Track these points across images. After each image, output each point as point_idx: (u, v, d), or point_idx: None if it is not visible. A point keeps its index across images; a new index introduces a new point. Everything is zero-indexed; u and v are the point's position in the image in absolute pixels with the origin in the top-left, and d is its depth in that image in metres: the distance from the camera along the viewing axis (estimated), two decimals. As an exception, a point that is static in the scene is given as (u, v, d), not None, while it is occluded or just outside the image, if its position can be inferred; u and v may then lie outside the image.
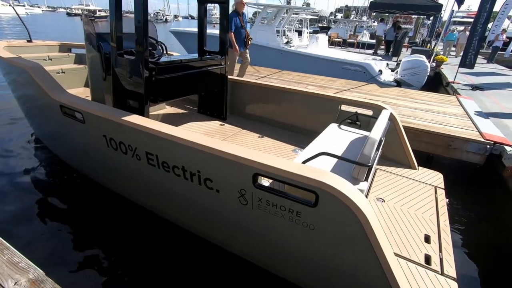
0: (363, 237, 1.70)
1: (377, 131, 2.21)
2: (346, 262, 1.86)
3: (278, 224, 1.99)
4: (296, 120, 3.95)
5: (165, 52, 4.13)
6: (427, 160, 4.11)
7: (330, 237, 1.84)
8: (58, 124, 3.27)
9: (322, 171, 1.80)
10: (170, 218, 2.91)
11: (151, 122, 2.47)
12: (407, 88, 7.66)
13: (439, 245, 2.29)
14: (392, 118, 3.16)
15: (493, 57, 13.98)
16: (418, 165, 3.38)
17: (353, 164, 2.14)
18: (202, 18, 3.99)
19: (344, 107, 3.59)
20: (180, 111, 4.57)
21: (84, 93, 4.52)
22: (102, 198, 3.35)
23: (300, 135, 3.89)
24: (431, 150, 4.12)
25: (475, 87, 7.55)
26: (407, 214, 2.61)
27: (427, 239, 2.36)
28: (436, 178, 3.24)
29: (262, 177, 1.96)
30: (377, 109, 3.23)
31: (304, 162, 2.11)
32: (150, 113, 3.08)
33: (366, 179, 2.15)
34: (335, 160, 2.37)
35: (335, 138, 2.87)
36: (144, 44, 2.72)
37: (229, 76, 4.20)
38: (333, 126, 3.16)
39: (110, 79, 3.12)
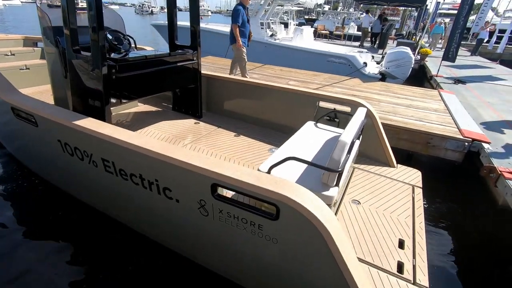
0: (326, 251, 1.59)
1: (349, 132, 2.09)
2: (310, 276, 1.76)
3: (241, 237, 1.86)
4: (274, 117, 3.82)
5: (133, 46, 3.89)
6: (406, 158, 4.05)
7: (293, 251, 1.72)
8: (12, 127, 3.03)
9: (283, 181, 1.67)
10: (137, 229, 2.75)
11: (104, 126, 2.28)
12: (391, 82, 7.62)
13: (413, 251, 2.21)
14: (370, 115, 3.06)
15: (477, 50, 14.10)
16: (396, 163, 3.31)
17: None
18: (172, 9, 3.76)
19: (323, 104, 3.47)
20: (153, 109, 4.36)
21: (49, 91, 4.25)
22: (65, 205, 3.14)
23: (277, 132, 3.77)
24: (410, 148, 4.05)
25: (457, 81, 7.55)
26: (382, 217, 2.53)
27: (401, 244, 2.27)
28: (414, 176, 3.17)
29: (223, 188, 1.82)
30: (355, 106, 3.13)
31: (271, 168, 1.99)
32: (120, 112, 2.89)
33: (337, 184, 2.04)
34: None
35: (311, 137, 2.75)
36: (98, 37, 2.50)
37: (203, 71, 4.01)
38: (309, 124, 3.04)
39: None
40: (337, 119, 3.44)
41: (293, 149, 2.48)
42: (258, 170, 2.06)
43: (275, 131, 3.80)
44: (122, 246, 2.71)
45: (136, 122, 3.77)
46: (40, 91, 4.49)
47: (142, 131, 3.55)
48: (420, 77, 9.59)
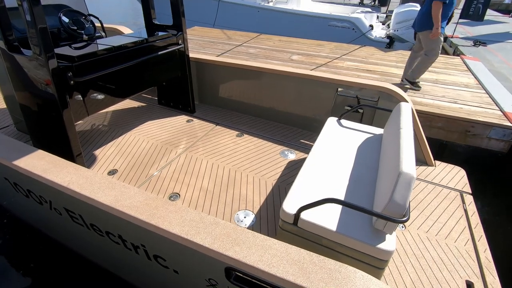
0: None
1: (407, 150, 1.47)
2: None
3: None
4: (282, 109, 3.13)
5: (100, 29, 3.01)
6: (439, 149, 3.46)
7: None
8: None
9: (314, 269, 1.07)
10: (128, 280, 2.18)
11: (60, 168, 1.58)
12: (400, 47, 6.79)
13: None
14: (403, 104, 2.48)
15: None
16: (434, 160, 2.72)
17: (376, 198, 1.51)
18: None
19: (343, 90, 2.85)
20: (135, 104, 3.57)
21: None
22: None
23: (288, 127, 3.13)
24: (444, 137, 3.44)
25: (477, 42, 6.73)
26: (437, 247, 1.98)
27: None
28: (459, 177, 2.61)
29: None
30: (384, 93, 2.52)
31: (301, 210, 1.46)
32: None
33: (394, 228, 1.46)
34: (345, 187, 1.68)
35: (339, 142, 2.14)
36: (36, 30, 1.68)
37: (191, 54, 3.19)
38: (331, 122, 2.44)
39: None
40: (361, 109, 2.79)
41: (320, 167, 1.87)
42: (283, 210, 1.53)
43: (283, 126, 3.14)
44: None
45: (114, 127, 3.01)
46: None
47: (123, 139, 2.82)
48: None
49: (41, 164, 1.60)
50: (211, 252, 1.15)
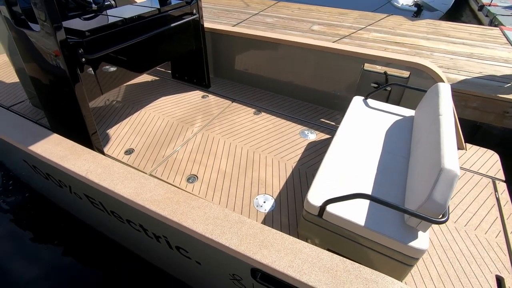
0: None
1: (450, 146, 1.32)
2: None
3: None
4: (301, 84, 2.95)
5: None
6: (471, 131, 3.22)
7: None
8: None
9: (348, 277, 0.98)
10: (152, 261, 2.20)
11: (77, 155, 1.52)
12: (428, 16, 6.22)
13: None
14: (438, 82, 2.27)
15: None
16: (465, 142, 2.53)
17: (406, 194, 1.42)
18: None
19: (369, 66, 2.64)
20: (149, 78, 3.44)
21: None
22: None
23: (307, 105, 2.96)
24: (479, 118, 3.17)
25: (519, 11, 6.08)
26: (465, 238, 1.87)
27: (499, 283, 1.66)
28: (492, 162, 2.43)
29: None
30: (417, 70, 2.31)
31: (327, 203, 1.38)
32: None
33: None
34: (372, 182, 1.57)
35: (365, 125, 2.00)
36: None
37: (205, 25, 2.99)
38: (357, 102, 2.26)
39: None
40: (389, 87, 2.57)
41: (346, 154, 1.75)
42: (307, 202, 1.44)
43: (304, 104, 2.97)
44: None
45: (128, 103, 2.92)
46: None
47: (137, 116, 2.74)
48: (460, 7, 7.92)
49: (58, 151, 1.54)
50: (237, 254, 1.07)
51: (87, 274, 2.22)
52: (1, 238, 2.45)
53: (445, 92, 1.81)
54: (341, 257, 1.06)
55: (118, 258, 2.29)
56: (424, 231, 1.34)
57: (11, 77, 3.32)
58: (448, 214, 1.26)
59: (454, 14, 7.23)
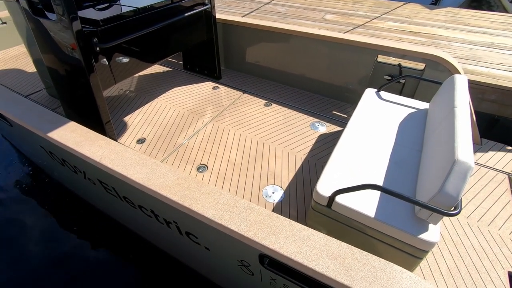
0: None
1: (465, 138, 1.30)
2: None
3: None
4: (313, 76, 2.92)
5: None
6: (488, 124, 3.12)
7: None
8: None
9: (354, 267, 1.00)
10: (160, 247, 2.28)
11: (92, 141, 1.57)
12: (446, 4, 5.96)
13: None
14: (455, 75, 2.21)
15: None
16: (480, 137, 2.48)
17: (417, 186, 1.43)
18: None
19: (383, 58, 2.58)
20: (161, 69, 3.49)
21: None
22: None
23: (318, 97, 2.94)
24: (497, 111, 3.06)
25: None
26: (478, 234, 1.85)
27: None
28: (508, 158, 2.38)
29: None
30: (433, 62, 2.26)
31: (336, 193, 1.38)
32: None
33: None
34: (383, 174, 1.56)
35: (378, 117, 1.97)
36: None
37: (217, 16, 2.98)
38: (370, 94, 2.23)
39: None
40: (403, 79, 2.52)
41: (357, 145, 1.74)
42: (317, 192, 1.45)
43: (315, 96, 2.95)
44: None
45: (140, 93, 2.98)
46: (17, 55, 3.66)
47: (149, 106, 2.79)
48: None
49: (74, 137, 1.60)
50: (246, 239, 1.10)
51: (105, 260, 2.32)
52: (22, 222, 2.58)
53: (461, 84, 1.76)
54: (349, 245, 1.08)
55: (132, 245, 2.38)
56: (435, 223, 1.33)
57: (29, 67, 3.42)
58: (460, 207, 1.24)
59: (475, 3, 6.90)
